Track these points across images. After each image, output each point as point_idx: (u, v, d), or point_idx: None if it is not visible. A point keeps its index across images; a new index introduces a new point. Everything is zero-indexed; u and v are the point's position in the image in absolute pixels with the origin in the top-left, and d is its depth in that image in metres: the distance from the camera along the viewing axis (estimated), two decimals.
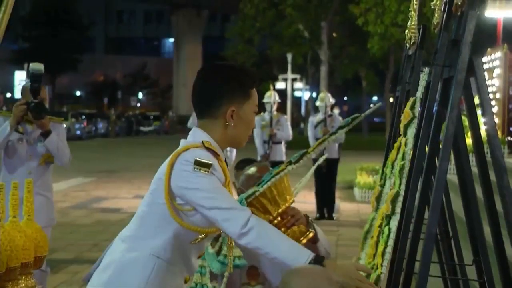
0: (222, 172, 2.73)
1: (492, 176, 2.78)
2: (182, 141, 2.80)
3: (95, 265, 2.90)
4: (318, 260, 2.54)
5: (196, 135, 2.78)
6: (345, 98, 70.55)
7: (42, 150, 5.66)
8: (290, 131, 11.96)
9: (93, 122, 45.40)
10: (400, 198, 2.83)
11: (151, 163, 23.49)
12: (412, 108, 3.05)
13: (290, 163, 3.42)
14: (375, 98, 74.30)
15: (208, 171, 2.65)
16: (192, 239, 2.78)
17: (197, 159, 2.65)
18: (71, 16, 56.37)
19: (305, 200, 12.33)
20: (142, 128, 51.88)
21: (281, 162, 11.52)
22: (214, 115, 2.78)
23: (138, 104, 69.50)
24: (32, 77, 5.46)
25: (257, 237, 2.58)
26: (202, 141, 2.73)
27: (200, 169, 2.64)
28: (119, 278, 2.74)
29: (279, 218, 3.38)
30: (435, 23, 3.10)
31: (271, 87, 12.31)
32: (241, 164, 3.88)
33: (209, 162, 2.66)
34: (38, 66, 5.38)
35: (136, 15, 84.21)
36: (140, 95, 71.98)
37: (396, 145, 3.10)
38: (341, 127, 3.65)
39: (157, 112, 58.97)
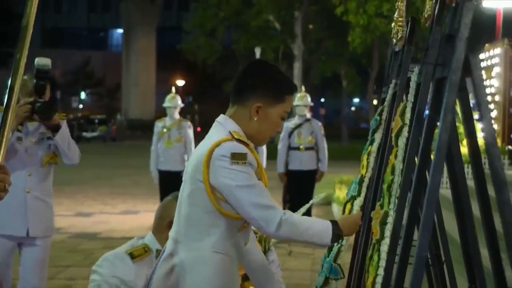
0: (254, 159, 3.26)
1: (491, 190, 2.81)
2: (216, 126, 3.34)
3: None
4: (337, 231, 3.23)
5: (226, 124, 3.34)
6: (322, 99, 70.83)
7: (45, 150, 5.58)
8: None
9: None
10: (390, 220, 2.85)
11: (96, 175, 23.38)
12: (402, 114, 3.07)
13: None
14: (356, 100, 74.74)
15: (245, 162, 3.19)
16: (239, 227, 3.32)
17: (233, 152, 3.19)
18: (0, 3, 55.81)
19: None
20: (85, 134, 51.44)
21: None
22: (242, 105, 3.35)
23: (81, 106, 69.04)
24: (38, 73, 5.41)
25: (289, 232, 3.19)
26: (230, 132, 3.28)
27: (237, 162, 3.18)
28: (186, 280, 3.26)
29: None
30: (426, 15, 3.14)
31: None
32: None
33: (244, 152, 3.21)
34: (44, 61, 5.38)
35: (78, 2, 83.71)
36: (83, 95, 71.49)
37: (391, 157, 3.13)
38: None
39: (103, 115, 58.55)
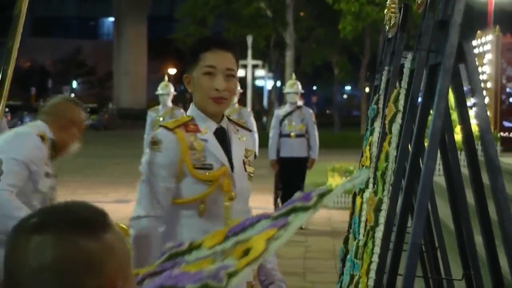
0: (175, 148, 3.16)
1: (485, 177, 2.81)
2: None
3: None
4: None
5: (190, 108, 3.34)
6: (314, 87, 70.84)
7: None
8: (255, 127, 11.92)
9: (18, 116, 44.89)
10: (384, 206, 2.84)
11: (88, 163, 23.36)
12: (396, 101, 3.06)
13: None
14: (348, 87, 74.73)
15: (157, 148, 3.17)
16: (198, 212, 3.21)
17: (152, 138, 3.20)
18: None
19: (266, 206, 12.33)
20: None
21: None
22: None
23: (72, 95, 68.82)
24: None
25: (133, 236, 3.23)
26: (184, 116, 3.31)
27: (151, 147, 3.19)
28: None
29: None
30: (418, 1, 3.13)
31: None
32: None
33: (159, 139, 3.18)
34: None
35: None
36: (74, 84, 71.36)
37: (384, 144, 3.13)
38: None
39: (95, 104, 58.50)
